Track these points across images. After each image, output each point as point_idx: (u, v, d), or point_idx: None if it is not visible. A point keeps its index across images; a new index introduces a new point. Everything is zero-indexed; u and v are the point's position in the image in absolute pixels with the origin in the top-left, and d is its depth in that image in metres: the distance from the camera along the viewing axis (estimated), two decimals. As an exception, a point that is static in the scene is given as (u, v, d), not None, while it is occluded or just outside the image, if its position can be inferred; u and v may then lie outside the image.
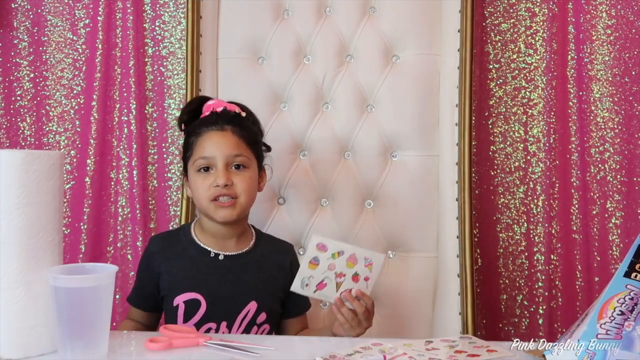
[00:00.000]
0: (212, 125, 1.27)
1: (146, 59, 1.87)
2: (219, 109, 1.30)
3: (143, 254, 1.34)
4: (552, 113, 1.80)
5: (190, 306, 1.24)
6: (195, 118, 1.32)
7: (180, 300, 1.24)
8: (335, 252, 1.16)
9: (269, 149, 1.39)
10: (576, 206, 1.78)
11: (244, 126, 1.30)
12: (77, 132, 1.86)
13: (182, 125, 1.35)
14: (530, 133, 1.82)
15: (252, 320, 1.26)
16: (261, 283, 1.29)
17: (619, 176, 1.79)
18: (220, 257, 1.28)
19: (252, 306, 1.26)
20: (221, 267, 1.28)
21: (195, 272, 1.27)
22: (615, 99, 1.79)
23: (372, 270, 1.16)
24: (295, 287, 1.15)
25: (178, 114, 1.82)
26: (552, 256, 1.79)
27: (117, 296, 1.76)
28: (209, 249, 1.29)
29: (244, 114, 1.32)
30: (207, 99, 1.36)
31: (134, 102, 1.82)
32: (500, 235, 1.83)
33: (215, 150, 1.25)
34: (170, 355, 1.00)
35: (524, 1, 1.83)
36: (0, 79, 1.87)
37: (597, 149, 1.80)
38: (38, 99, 1.87)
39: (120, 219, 1.84)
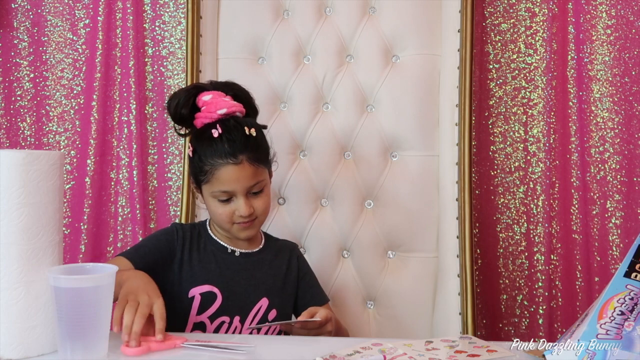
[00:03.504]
0: (227, 157, 1.22)
1: (146, 59, 1.87)
2: (221, 113, 1.24)
3: (165, 231, 1.33)
4: (552, 113, 1.80)
5: (206, 298, 1.26)
6: (191, 111, 1.28)
7: (196, 292, 1.26)
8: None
9: (264, 127, 1.34)
10: (576, 206, 1.78)
11: (256, 147, 1.27)
12: (77, 132, 1.86)
13: (180, 120, 1.29)
14: (530, 133, 1.82)
15: (264, 317, 1.29)
16: (272, 280, 1.33)
17: (619, 176, 1.79)
18: (237, 254, 1.32)
19: (264, 302, 1.29)
20: (236, 263, 1.31)
21: (213, 266, 1.29)
22: (615, 99, 1.79)
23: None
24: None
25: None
26: (552, 256, 1.79)
27: (117, 296, 1.76)
28: (225, 244, 1.32)
29: (254, 133, 1.27)
30: (200, 89, 1.30)
31: (134, 102, 1.82)
32: (500, 235, 1.83)
33: (234, 185, 1.24)
34: (170, 355, 1.00)
35: (524, 1, 1.83)
36: (0, 79, 1.87)
37: (597, 149, 1.80)
38: (38, 99, 1.87)
39: (120, 219, 1.84)
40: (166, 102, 1.33)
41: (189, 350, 1.01)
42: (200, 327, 1.25)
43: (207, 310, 1.26)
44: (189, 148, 1.30)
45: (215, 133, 1.23)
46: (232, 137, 1.24)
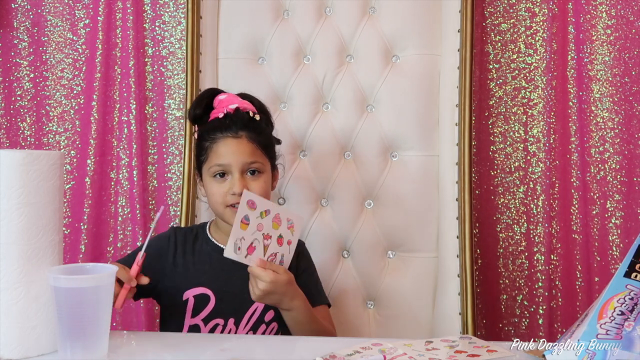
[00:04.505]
0: (226, 130, 1.26)
1: (146, 59, 1.87)
2: (232, 107, 1.28)
3: (160, 236, 1.34)
4: (552, 113, 1.80)
5: (200, 301, 1.25)
6: (207, 112, 1.32)
7: (190, 294, 1.26)
8: (263, 210, 1.17)
9: (279, 142, 1.38)
10: (576, 206, 1.78)
11: (259, 130, 1.30)
12: (77, 132, 1.86)
13: (194, 120, 1.33)
14: (530, 133, 1.82)
15: (260, 318, 1.27)
16: None
17: (619, 176, 1.79)
18: None
19: (260, 304, 1.27)
20: (231, 264, 1.28)
21: (207, 267, 1.29)
22: (615, 99, 1.79)
23: (294, 233, 1.19)
24: (228, 252, 1.15)
25: (178, 114, 1.83)
26: (552, 256, 1.79)
27: (117, 296, 1.76)
28: (221, 245, 1.31)
29: (258, 117, 1.31)
30: (217, 91, 1.34)
31: (134, 102, 1.82)
32: (500, 235, 1.83)
33: (230, 157, 1.25)
34: (172, 351, 1.00)
35: (524, 1, 1.83)
36: (0, 79, 1.87)
37: (597, 149, 1.80)
38: (38, 99, 1.87)
39: (120, 219, 1.84)
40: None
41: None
42: (195, 329, 1.24)
43: (201, 312, 1.25)
44: (195, 133, 1.32)
45: (221, 114, 1.27)
46: (236, 117, 1.27)
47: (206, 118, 1.31)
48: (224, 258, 1.28)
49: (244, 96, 1.35)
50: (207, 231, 1.34)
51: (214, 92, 1.34)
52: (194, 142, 1.36)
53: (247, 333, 1.26)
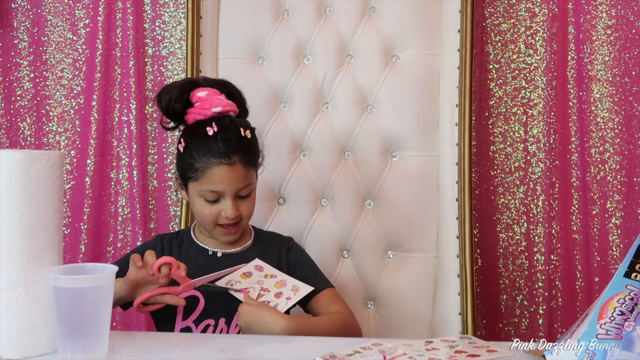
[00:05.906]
0: (220, 156, 1.22)
1: (146, 59, 1.87)
2: (216, 110, 1.24)
3: (146, 245, 1.35)
4: (552, 113, 1.80)
5: (189, 303, 1.24)
6: (185, 106, 1.28)
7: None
8: (268, 274, 1.24)
9: (249, 124, 1.33)
10: (576, 206, 1.78)
11: (250, 149, 1.28)
12: (77, 132, 1.86)
13: (172, 114, 1.29)
14: (530, 133, 1.82)
15: None
16: None
17: (619, 176, 1.79)
18: (219, 255, 1.31)
19: None
20: (218, 265, 1.29)
21: (195, 270, 1.27)
22: (615, 99, 1.79)
23: (296, 295, 1.22)
24: (220, 282, 1.21)
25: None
26: (552, 256, 1.79)
27: (117, 296, 1.76)
28: (207, 247, 1.31)
29: (249, 135, 1.27)
30: (195, 85, 1.29)
31: (134, 102, 1.82)
32: (500, 235, 1.83)
33: (225, 185, 1.23)
34: (172, 351, 1.00)
35: (524, 1, 1.83)
36: (0, 79, 1.87)
37: (597, 149, 1.80)
38: (38, 99, 1.87)
39: (120, 219, 1.84)
40: (156, 95, 1.31)
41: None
42: (186, 331, 1.24)
43: (192, 314, 1.25)
44: (180, 143, 1.29)
45: (211, 131, 1.23)
46: (227, 136, 1.24)
47: (183, 114, 1.28)
48: (211, 259, 1.30)
49: (222, 87, 1.30)
50: (192, 234, 1.34)
51: (192, 85, 1.29)
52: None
53: (238, 332, 1.25)
